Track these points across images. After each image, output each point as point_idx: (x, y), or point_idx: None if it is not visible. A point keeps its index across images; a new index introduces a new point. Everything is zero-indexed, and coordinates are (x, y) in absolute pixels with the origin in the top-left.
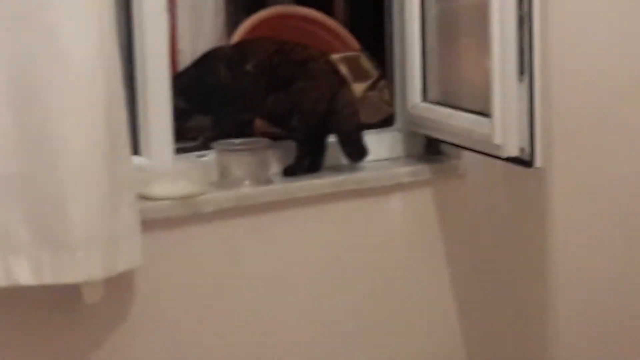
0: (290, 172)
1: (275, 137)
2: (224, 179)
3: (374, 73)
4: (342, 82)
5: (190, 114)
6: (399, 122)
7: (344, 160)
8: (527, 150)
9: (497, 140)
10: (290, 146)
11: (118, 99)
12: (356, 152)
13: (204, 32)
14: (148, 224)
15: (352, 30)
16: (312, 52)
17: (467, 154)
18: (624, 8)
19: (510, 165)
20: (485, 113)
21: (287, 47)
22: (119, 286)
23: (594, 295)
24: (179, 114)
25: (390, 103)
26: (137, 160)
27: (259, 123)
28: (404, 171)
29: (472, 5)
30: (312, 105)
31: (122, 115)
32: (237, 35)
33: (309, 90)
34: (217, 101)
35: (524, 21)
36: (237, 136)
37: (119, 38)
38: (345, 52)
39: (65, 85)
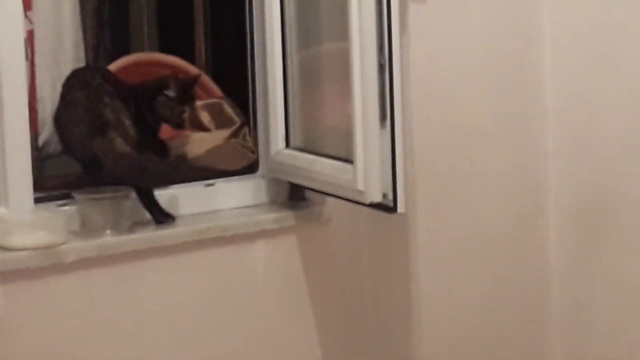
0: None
1: None
2: (85, 228)
3: (237, 120)
4: (102, 128)
5: None
6: (262, 169)
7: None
8: (390, 196)
9: (360, 186)
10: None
11: None
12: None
13: (63, 81)
14: (8, 275)
15: (215, 77)
16: (84, 93)
17: (331, 200)
18: (484, 52)
19: (374, 211)
20: (348, 159)
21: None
22: None
23: (457, 337)
24: None
25: (254, 150)
26: None
27: None
28: (268, 218)
29: (334, 52)
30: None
31: None
32: None
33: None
34: None
35: (385, 68)
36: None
37: None
38: (208, 99)
39: None
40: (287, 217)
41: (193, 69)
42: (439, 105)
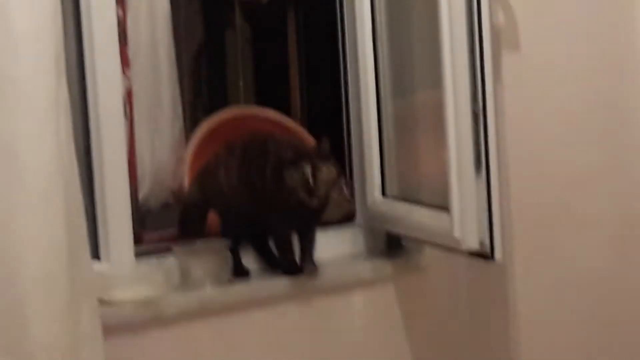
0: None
1: None
2: (185, 281)
3: (334, 170)
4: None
5: None
6: (359, 218)
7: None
8: (487, 243)
9: (456, 234)
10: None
11: (76, 205)
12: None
13: (161, 137)
14: (110, 329)
15: (310, 128)
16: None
17: (428, 249)
18: (577, 100)
19: (472, 259)
20: (444, 207)
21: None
22: None
23: None
24: None
25: (350, 199)
26: (97, 265)
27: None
28: (366, 267)
29: (428, 101)
30: None
31: (82, 221)
32: (196, 138)
33: None
34: None
35: (479, 117)
36: None
37: (77, 143)
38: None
39: (22, 195)
40: (384, 266)
41: (288, 121)
42: (535, 152)
